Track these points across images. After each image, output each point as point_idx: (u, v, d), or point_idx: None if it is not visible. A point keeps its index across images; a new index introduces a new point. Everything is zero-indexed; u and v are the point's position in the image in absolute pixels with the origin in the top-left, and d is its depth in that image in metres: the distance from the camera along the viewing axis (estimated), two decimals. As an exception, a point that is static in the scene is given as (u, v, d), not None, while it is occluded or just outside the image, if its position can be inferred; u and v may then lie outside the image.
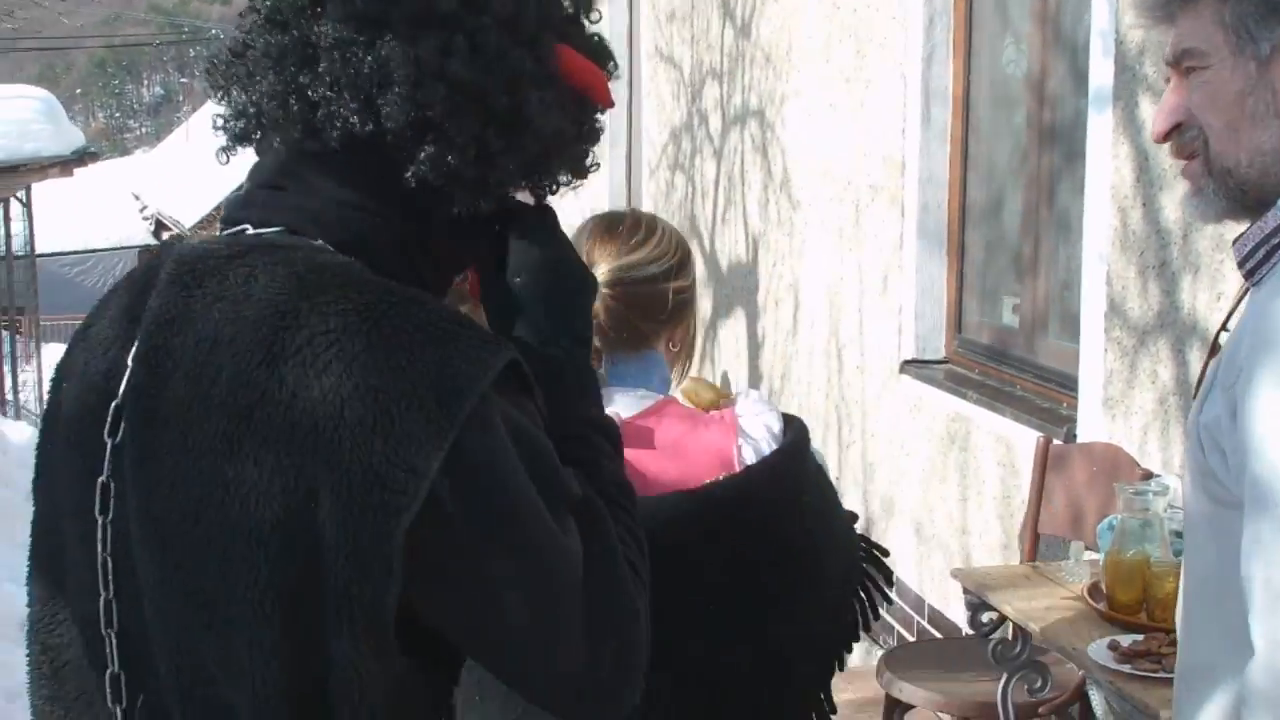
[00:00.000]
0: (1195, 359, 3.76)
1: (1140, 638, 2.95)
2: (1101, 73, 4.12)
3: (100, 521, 1.37)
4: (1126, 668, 2.85)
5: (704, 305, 7.84)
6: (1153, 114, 3.95)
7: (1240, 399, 1.63)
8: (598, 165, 1.55)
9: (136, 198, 31.89)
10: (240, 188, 1.49)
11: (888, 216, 5.48)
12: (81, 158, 11.42)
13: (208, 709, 1.32)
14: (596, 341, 1.92)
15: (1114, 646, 2.93)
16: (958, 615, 4.86)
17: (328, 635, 1.27)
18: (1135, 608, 3.11)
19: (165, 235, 29.23)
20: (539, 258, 1.50)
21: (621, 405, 2.00)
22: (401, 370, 1.27)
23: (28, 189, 12.04)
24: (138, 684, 1.38)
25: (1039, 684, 3.54)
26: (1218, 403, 1.66)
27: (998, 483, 4.69)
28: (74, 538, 1.41)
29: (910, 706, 4.08)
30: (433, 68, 1.36)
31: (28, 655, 1.49)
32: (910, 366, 5.34)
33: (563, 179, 1.52)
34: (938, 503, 5.11)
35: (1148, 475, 3.70)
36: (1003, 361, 4.97)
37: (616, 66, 1.55)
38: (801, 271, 6.35)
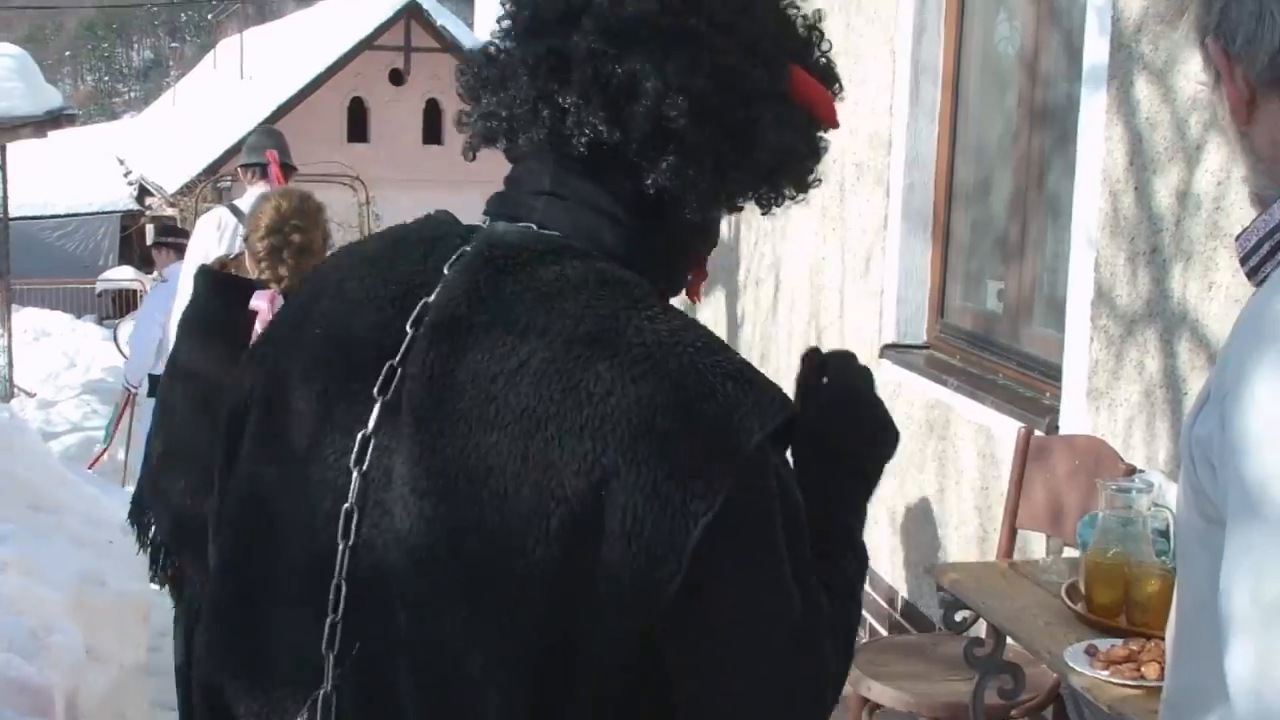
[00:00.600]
0: (1184, 351, 3.61)
1: (1119, 643, 2.81)
2: (1096, 50, 3.96)
3: (354, 473, 1.44)
4: (1104, 674, 2.70)
5: (684, 283, 7.69)
6: (1149, 94, 3.82)
7: (1230, 404, 1.47)
8: (819, 181, 1.60)
9: (121, 162, 31.70)
10: (511, 186, 1.56)
11: (873, 196, 5.32)
12: (57, 119, 11.19)
13: (437, 662, 1.38)
14: None
15: (1091, 651, 2.78)
16: (932, 609, 4.72)
17: (588, 616, 1.34)
18: (1115, 610, 2.96)
19: (148, 200, 29.05)
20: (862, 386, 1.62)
21: None
22: (709, 397, 1.34)
23: (1, 149, 11.82)
24: (355, 634, 1.43)
25: (1012, 686, 3.39)
26: (1211, 416, 1.50)
27: (976, 473, 4.55)
28: (295, 480, 1.49)
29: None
30: (679, 82, 1.43)
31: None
32: (890, 351, 5.19)
33: (788, 193, 1.56)
34: (914, 492, 4.96)
35: (1131, 470, 3.55)
36: (985, 348, 4.83)
37: (841, 88, 1.61)
38: (783, 251, 6.20)
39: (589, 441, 1.33)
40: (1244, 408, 1.43)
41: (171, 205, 24.74)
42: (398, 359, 1.44)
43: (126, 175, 31.18)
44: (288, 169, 6.51)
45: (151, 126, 34.82)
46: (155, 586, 4.68)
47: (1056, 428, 4.12)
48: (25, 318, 26.04)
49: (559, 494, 1.33)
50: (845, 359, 1.65)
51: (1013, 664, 3.40)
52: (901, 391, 5.05)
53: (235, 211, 6.45)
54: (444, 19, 29.93)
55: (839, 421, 1.59)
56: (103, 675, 5.05)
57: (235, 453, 1.60)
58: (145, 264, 25.83)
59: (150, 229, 26.77)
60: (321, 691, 1.45)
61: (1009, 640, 3.25)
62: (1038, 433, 4.07)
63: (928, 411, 4.88)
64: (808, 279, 5.91)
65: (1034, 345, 4.58)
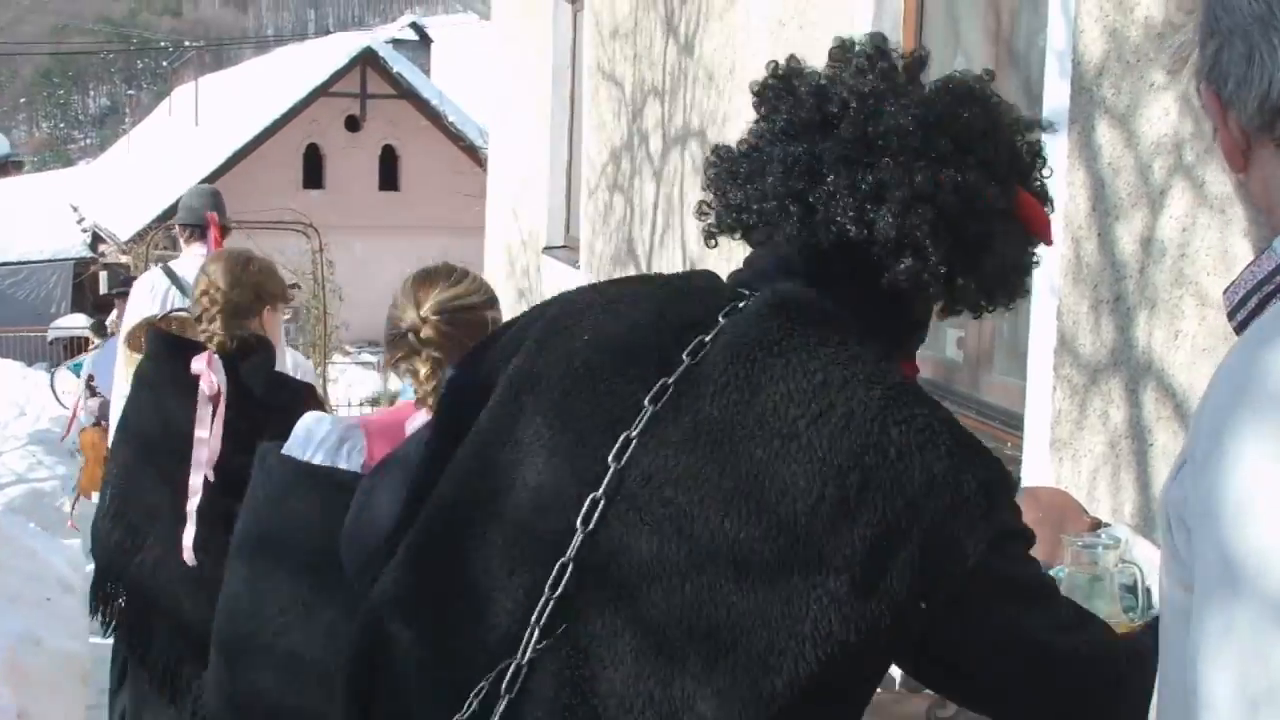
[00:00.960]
0: (1150, 400, 3.51)
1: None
2: (1057, 94, 3.88)
3: (612, 466, 1.53)
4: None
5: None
6: (1111, 138, 3.74)
7: (1206, 467, 1.35)
8: (1028, 292, 1.78)
9: (74, 209, 31.47)
10: (758, 270, 1.71)
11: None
12: (3, 165, 11.01)
13: (653, 677, 1.46)
14: (433, 358, 2.69)
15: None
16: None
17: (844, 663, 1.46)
18: (1083, 671, 2.85)
19: (101, 248, 28.81)
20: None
21: None
22: (973, 472, 1.50)
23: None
24: (565, 616, 1.50)
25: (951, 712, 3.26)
26: (1188, 478, 1.39)
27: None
28: (535, 461, 1.58)
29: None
30: (924, 193, 1.59)
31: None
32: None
33: (1002, 303, 1.74)
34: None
35: (1097, 524, 3.44)
36: (945, 397, 4.72)
37: (1053, 208, 1.76)
38: (739, 298, 6.11)
39: (885, 500, 1.46)
40: (1221, 472, 1.31)
41: (124, 253, 24.51)
42: (673, 379, 1.56)
43: (80, 222, 30.93)
44: (225, 230, 6.55)
45: (105, 173, 34.61)
46: (97, 640, 4.61)
47: (1019, 479, 4.02)
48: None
49: (846, 545, 1.45)
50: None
51: None
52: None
53: (169, 274, 6.40)
54: (400, 65, 29.88)
55: None
56: (37, 738, 4.88)
57: (456, 428, 1.70)
58: (98, 311, 25.56)
59: (104, 276, 26.53)
60: (514, 661, 1.50)
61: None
62: (1000, 484, 3.97)
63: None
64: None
65: (995, 394, 4.49)
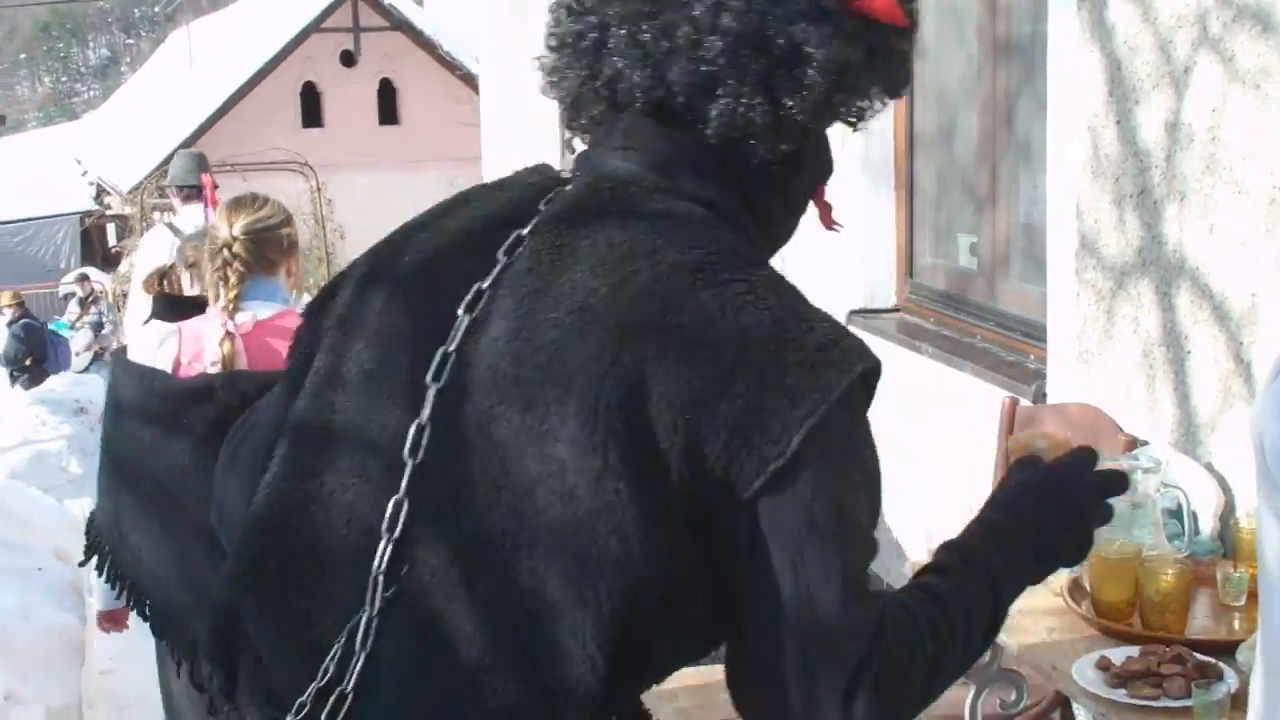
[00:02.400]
0: (1184, 303, 3.20)
1: (1135, 652, 2.41)
2: (1063, -30, 3.54)
3: (430, 388, 1.39)
4: (1120, 694, 2.31)
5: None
6: (1126, 14, 3.41)
7: None
8: (909, 83, 1.54)
9: (78, 163, 31.21)
10: (591, 150, 1.53)
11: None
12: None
13: (506, 586, 1.32)
14: (238, 269, 3.22)
15: (1104, 665, 2.39)
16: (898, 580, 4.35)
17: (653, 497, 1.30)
18: (1126, 610, 2.58)
19: (105, 199, 28.60)
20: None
21: (259, 310, 3.21)
22: (810, 331, 1.33)
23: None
24: (407, 558, 1.37)
25: (1013, 697, 2.99)
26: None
27: (959, 449, 4.14)
28: (364, 398, 1.45)
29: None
30: (708, 25, 1.40)
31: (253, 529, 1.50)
32: (857, 316, 4.78)
33: (877, 102, 1.50)
34: (890, 472, 4.55)
35: (1133, 443, 3.15)
36: (961, 309, 4.42)
37: None
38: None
39: (689, 364, 1.31)
40: None
41: (128, 204, 24.31)
42: (488, 283, 1.42)
43: (84, 175, 30.68)
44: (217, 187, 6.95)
45: (107, 125, 34.36)
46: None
47: (1044, 395, 3.72)
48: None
49: (664, 403, 1.30)
50: (1093, 460, 1.58)
51: (1013, 672, 2.99)
52: (873, 360, 4.66)
53: (173, 229, 6.53)
54: (391, -4, 29.45)
55: (1047, 494, 1.52)
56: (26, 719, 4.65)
57: (301, 375, 1.54)
58: (107, 264, 25.40)
59: (111, 228, 26.31)
60: (364, 615, 1.38)
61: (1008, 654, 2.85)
62: (1024, 402, 3.67)
63: (901, 381, 4.48)
64: (767, 243, 5.51)
65: (1014, 303, 4.18)
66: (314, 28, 28.94)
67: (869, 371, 1.35)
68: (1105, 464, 2.66)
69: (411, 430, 1.39)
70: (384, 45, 29.44)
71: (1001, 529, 1.48)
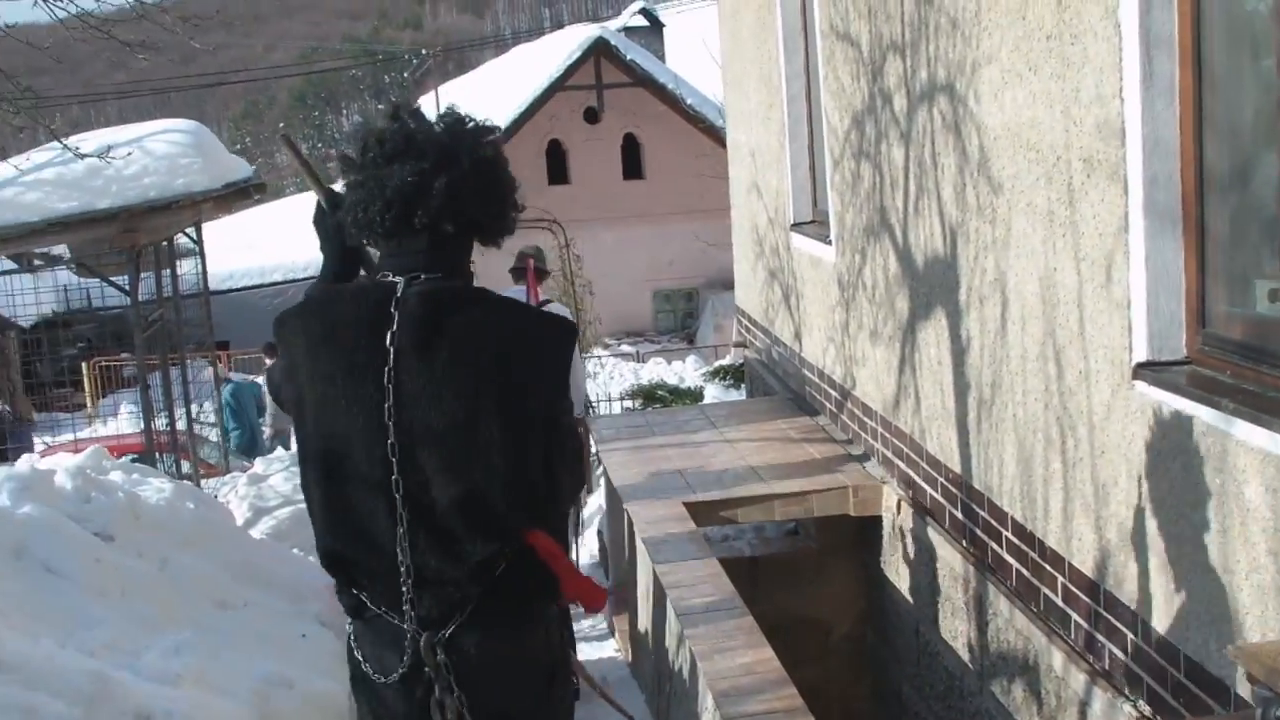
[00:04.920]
0: None
1: None
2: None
3: (389, 386, 3.28)
4: None
5: (900, 306, 7.04)
6: None
7: None
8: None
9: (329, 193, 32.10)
10: (410, 255, 3.39)
11: (1107, 194, 4.62)
12: (245, 190, 11.01)
13: (458, 463, 3.31)
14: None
15: None
16: (1223, 669, 4.01)
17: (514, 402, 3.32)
18: None
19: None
20: None
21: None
22: (542, 317, 3.60)
23: (198, 226, 11.71)
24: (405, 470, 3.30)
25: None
26: None
27: (1268, 511, 3.81)
28: (348, 397, 3.32)
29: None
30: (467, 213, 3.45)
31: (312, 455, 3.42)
32: (1145, 370, 4.47)
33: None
34: (1189, 534, 4.24)
35: None
36: (1261, 360, 4.09)
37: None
38: (1008, 264, 5.52)
39: (501, 346, 3.31)
40: None
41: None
42: (392, 333, 3.29)
43: (341, 206, 31.46)
44: (541, 273, 9.14)
45: (358, 189, 35.27)
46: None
47: None
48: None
49: (491, 365, 3.29)
50: None
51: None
52: (1163, 416, 4.34)
53: None
54: (633, 53, 29.72)
55: None
56: (293, 789, 4.61)
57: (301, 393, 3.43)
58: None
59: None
60: (399, 528, 3.30)
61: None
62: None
63: (1198, 439, 4.16)
64: (1039, 294, 5.22)
65: (1323, 354, 3.84)
66: (558, 86, 29.42)
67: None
68: None
69: (388, 403, 3.28)
70: (627, 101, 29.75)
71: None
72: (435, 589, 3.31)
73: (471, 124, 3.40)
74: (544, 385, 3.35)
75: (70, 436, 17.41)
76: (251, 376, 22.50)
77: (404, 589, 3.29)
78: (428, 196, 3.25)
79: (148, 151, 10.19)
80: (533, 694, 3.48)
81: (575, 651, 6.49)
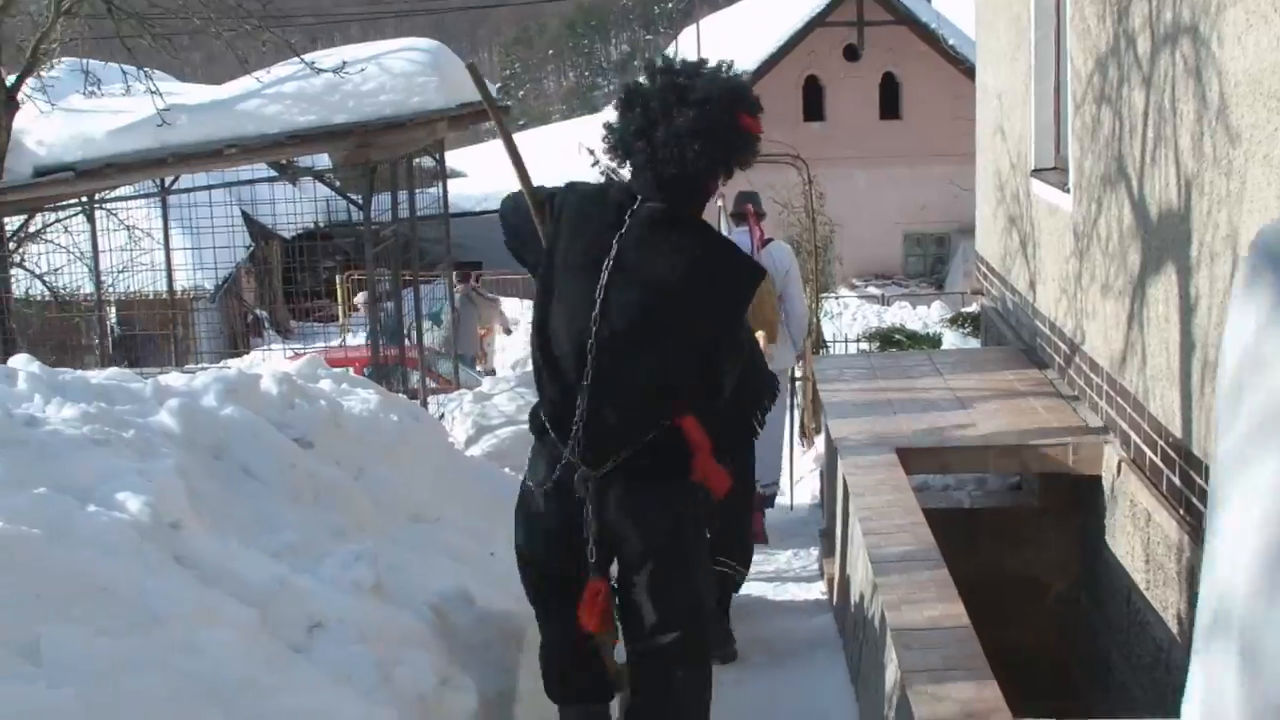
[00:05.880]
0: None
1: None
2: None
3: (602, 277, 4.19)
4: None
5: (1132, 260, 6.72)
6: None
7: None
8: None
9: (590, 152, 32.46)
10: (643, 180, 4.26)
11: (1348, 147, 4.29)
12: (480, 112, 11.08)
13: (649, 355, 4.20)
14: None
15: None
16: None
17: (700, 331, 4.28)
18: None
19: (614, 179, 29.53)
20: None
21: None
22: (725, 265, 4.33)
23: (440, 146, 11.85)
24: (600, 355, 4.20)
25: None
26: None
27: None
28: (570, 286, 4.26)
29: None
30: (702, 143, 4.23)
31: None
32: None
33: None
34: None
35: None
36: None
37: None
38: (1240, 219, 5.19)
39: (692, 268, 4.19)
40: None
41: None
42: (616, 241, 4.19)
43: (594, 165, 31.88)
44: (759, 215, 9.41)
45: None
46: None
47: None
48: (506, 308, 26.92)
49: (681, 282, 4.18)
50: None
51: None
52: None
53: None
54: (897, -11, 29.10)
55: None
56: (459, 705, 4.63)
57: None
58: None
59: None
60: (584, 381, 4.21)
61: None
62: None
63: None
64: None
65: None
66: (819, 22, 29.05)
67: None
68: None
69: (604, 275, 4.17)
70: (888, 39, 29.22)
71: None
72: (599, 438, 4.22)
73: (714, 75, 4.20)
74: (719, 311, 4.27)
75: (321, 345, 17.98)
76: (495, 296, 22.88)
77: (575, 428, 4.22)
78: (662, 138, 4.11)
79: (385, 69, 10.33)
80: (659, 531, 4.32)
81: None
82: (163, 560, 3.97)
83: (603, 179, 30.90)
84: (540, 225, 4.41)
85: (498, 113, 4.93)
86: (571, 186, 4.41)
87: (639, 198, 4.20)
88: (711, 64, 4.24)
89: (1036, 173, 9.27)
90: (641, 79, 4.23)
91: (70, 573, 3.49)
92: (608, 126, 4.28)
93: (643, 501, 4.28)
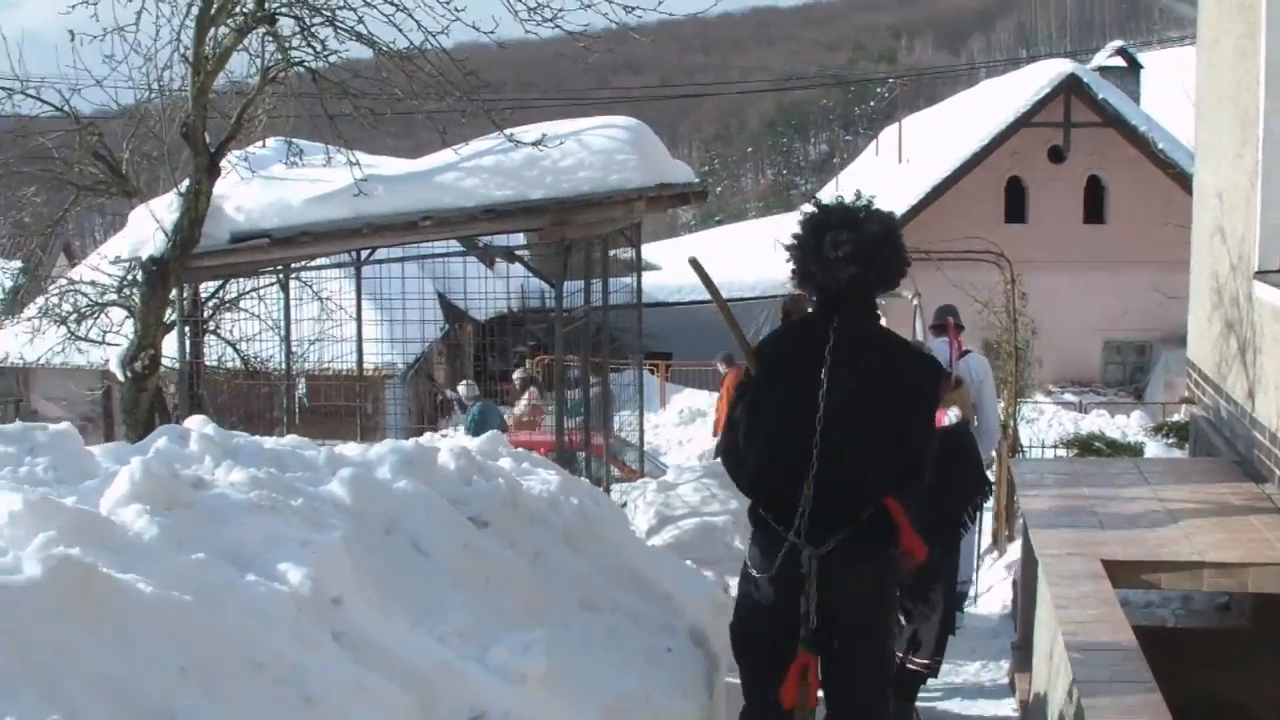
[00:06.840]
0: None
1: None
2: None
3: (823, 384, 4.88)
4: None
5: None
6: None
7: None
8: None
9: (785, 248, 32.43)
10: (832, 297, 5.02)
11: None
12: (684, 194, 10.92)
13: (869, 440, 4.95)
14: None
15: None
16: None
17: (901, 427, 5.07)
18: None
19: (788, 286, 29.36)
20: None
21: None
22: (923, 371, 5.18)
23: (636, 228, 11.70)
24: (825, 440, 4.89)
25: None
26: None
27: None
28: (793, 395, 4.96)
29: None
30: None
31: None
32: None
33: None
34: None
35: None
36: None
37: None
38: None
39: (894, 375, 5.01)
40: None
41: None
42: (828, 353, 4.88)
43: (786, 260, 31.81)
44: (958, 327, 9.86)
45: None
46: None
47: None
48: (683, 399, 26.70)
49: (888, 385, 4.99)
50: None
51: None
52: None
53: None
54: (1105, 92, 28.52)
55: None
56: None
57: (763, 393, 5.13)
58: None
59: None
60: (815, 450, 4.87)
61: None
62: None
63: None
64: None
65: None
66: (1024, 122, 28.53)
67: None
68: None
69: (823, 388, 4.87)
70: (1094, 142, 28.57)
71: None
72: (823, 520, 4.83)
73: (868, 208, 5.01)
74: (915, 409, 5.07)
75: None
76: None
77: (800, 513, 4.82)
78: (841, 259, 4.81)
79: (585, 145, 10.20)
80: (866, 598, 4.98)
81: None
82: (320, 637, 3.76)
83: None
84: (752, 366, 5.20)
85: (722, 303, 5.72)
86: (769, 336, 5.46)
87: (835, 318, 4.94)
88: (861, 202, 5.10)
89: (1260, 275, 8.75)
90: (825, 206, 5.11)
91: (219, 643, 3.28)
92: (795, 249, 5.08)
93: (860, 570, 4.94)
